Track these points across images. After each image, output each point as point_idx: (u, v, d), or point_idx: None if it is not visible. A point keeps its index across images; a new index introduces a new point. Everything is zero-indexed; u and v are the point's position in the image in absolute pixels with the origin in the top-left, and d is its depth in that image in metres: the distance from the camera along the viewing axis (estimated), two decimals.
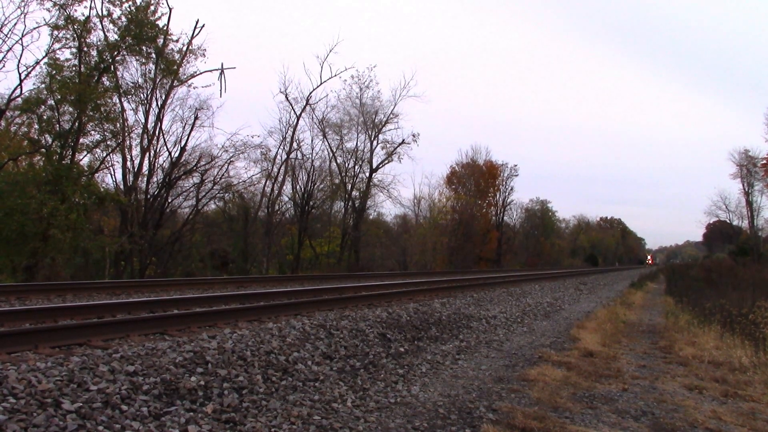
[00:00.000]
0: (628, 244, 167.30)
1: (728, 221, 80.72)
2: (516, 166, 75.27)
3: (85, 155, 27.74)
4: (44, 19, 24.69)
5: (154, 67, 28.89)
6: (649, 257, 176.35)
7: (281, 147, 38.58)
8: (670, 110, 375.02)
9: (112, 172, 30.13)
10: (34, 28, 24.45)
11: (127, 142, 28.69)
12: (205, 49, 30.16)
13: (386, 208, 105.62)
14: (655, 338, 12.81)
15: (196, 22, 30.21)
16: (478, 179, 65.52)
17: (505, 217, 78.77)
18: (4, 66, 24.43)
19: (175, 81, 29.95)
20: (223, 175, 33.78)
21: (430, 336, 10.68)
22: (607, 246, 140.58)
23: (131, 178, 28.77)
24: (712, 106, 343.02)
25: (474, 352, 10.06)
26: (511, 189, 76.44)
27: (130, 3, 26.62)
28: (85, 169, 27.00)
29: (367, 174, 44.88)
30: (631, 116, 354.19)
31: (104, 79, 27.13)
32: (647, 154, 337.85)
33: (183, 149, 31.04)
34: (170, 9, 28.21)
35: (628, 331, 13.97)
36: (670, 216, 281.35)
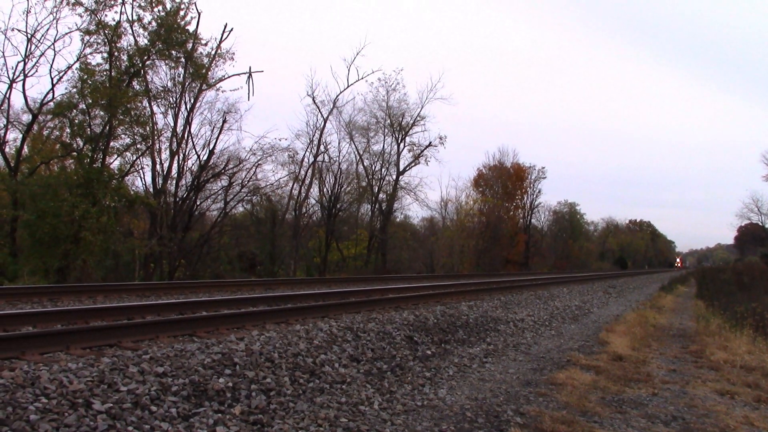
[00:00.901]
0: (658, 247, 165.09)
1: (760, 224, 79.55)
2: (544, 168, 74.63)
3: (116, 159, 28.20)
4: (76, 25, 25.01)
5: (183, 71, 29.15)
6: (677, 260, 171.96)
7: (308, 150, 38.77)
8: (702, 111, 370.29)
9: (142, 176, 30.51)
10: (66, 34, 24.89)
11: (157, 145, 29.01)
12: (233, 53, 30.32)
13: (413, 210, 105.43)
14: (686, 342, 12.64)
15: (225, 26, 30.46)
16: (505, 181, 65.22)
17: (532, 220, 78.30)
18: (36, 71, 24.92)
19: (204, 85, 30.17)
20: (250, 178, 34.02)
21: (458, 339, 10.65)
22: (637, 249, 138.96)
23: (160, 181, 29.06)
24: (745, 108, 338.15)
25: (501, 355, 10.01)
26: (539, 191, 75.95)
27: (160, 8, 26.91)
28: (116, 172, 27.38)
29: (394, 176, 44.94)
30: (662, 118, 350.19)
31: (134, 83, 27.43)
32: (677, 155, 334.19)
33: (211, 152, 31.29)
34: (199, 13, 28.46)
35: (658, 335, 13.81)
36: (701, 219, 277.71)
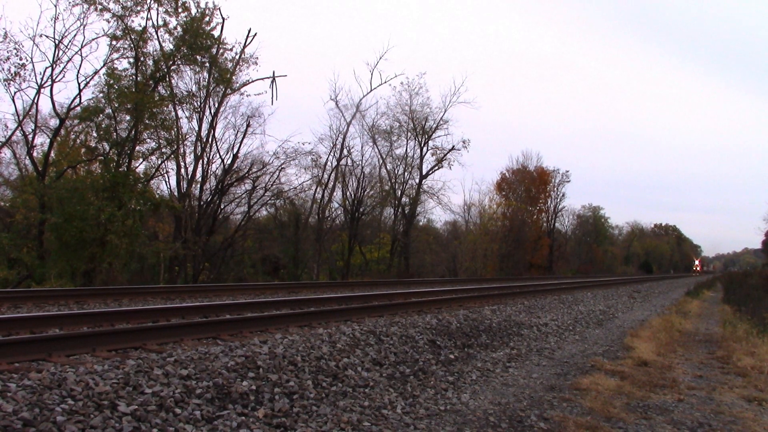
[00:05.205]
0: (684, 252, 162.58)
1: None
2: (567, 171, 74.51)
3: (141, 162, 28.46)
4: (103, 30, 25.32)
5: (207, 76, 29.40)
6: (696, 263, 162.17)
7: (331, 154, 38.87)
8: (730, 115, 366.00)
9: (167, 179, 30.95)
10: (93, 39, 25.18)
11: (181, 149, 29.29)
12: (257, 58, 30.55)
13: (436, 214, 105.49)
14: (712, 348, 12.46)
15: (249, 31, 30.75)
16: (528, 185, 65.00)
17: (556, 224, 77.97)
18: (64, 76, 25.23)
19: (228, 89, 30.40)
20: (274, 181, 34.21)
21: (481, 343, 10.60)
22: (662, 253, 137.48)
23: (185, 185, 29.32)
24: None
25: (525, 359, 9.94)
26: (563, 195, 75.59)
27: (186, 14, 27.18)
28: (141, 176, 27.64)
29: (417, 180, 44.89)
30: (689, 121, 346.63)
31: (160, 87, 27.71)
32: (704, 159, 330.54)
33: (235, 156, 31.54)
34: (224, 19, 28.69)
35: (683, 340, 13.63)
36: (728, 223, 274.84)
